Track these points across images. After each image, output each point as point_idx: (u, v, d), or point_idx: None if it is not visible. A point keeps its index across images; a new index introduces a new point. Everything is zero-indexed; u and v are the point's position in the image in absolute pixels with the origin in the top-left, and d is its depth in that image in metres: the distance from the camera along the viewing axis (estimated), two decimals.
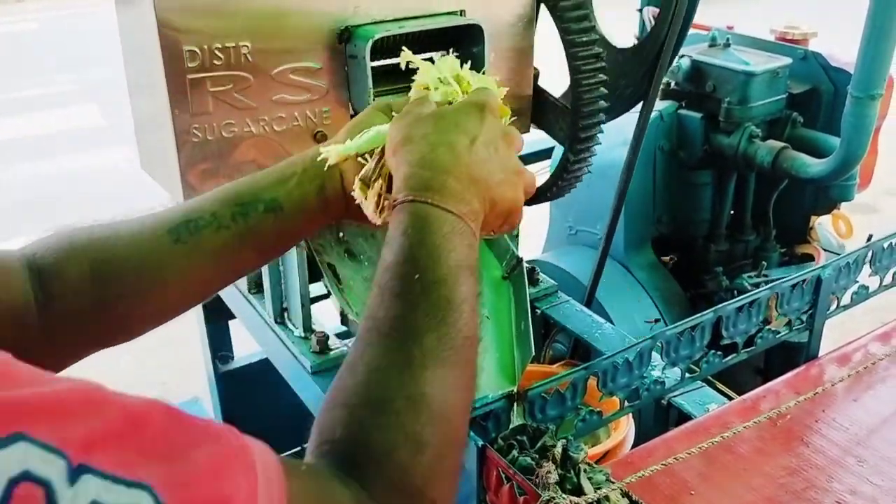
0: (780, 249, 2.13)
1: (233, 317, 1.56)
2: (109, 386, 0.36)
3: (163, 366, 2.95)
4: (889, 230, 1.05)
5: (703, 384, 1.06)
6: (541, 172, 2.02)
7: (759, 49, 1.99)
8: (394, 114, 0.75)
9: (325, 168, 0.72)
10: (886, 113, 1.95)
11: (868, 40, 1.58)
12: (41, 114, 5.89)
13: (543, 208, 1.93)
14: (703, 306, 1.99)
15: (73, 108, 5.99)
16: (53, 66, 6.97)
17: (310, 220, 0.74)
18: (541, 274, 1.44)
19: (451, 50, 0.89)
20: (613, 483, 0.66)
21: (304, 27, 0.98)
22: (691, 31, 1.48)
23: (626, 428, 1.11)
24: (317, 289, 1.26)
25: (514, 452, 0.66)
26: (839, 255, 1.03)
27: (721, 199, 2.08)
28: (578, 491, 0.62)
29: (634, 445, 1.01)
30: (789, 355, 1.11)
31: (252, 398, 1.84)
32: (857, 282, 1.03)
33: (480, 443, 0.65)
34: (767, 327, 0.95)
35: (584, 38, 1.16)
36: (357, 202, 0.71)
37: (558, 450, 0.65)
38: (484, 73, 0.93)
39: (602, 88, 1.19)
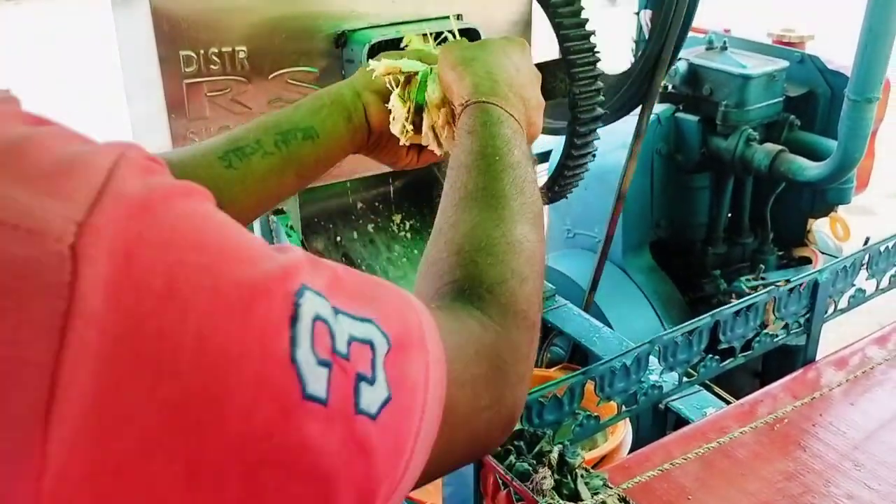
0: (778, 252, 2.14)
1: None
2: None
3: None
4: (886, 233, 1.05)
5: (701, 388, 1.06)
6: (539, 175, 2.02)
7: (757, 52, 2.00)
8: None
9: (369, 81, 0.83)
10: (883, 116, 1.96)
11: (864, 44, 1.58)
12: None
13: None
14: (701, 309, 1.99)
15: None
16: None
17: (342, 147, 0.83)
18: None
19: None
20: (611, 488, 0.66)
21: (301, 32, 0.99)
22: (688, 34, 1.48)
23: (623, 432, 1.11)
24: None
25: (512, 458, 0.65)
26: (837, 257, 1.03)
27: (719, 203, 2.08)
28: (575, 496, 0.62)
29: (633, 450, 1.01)
30: (787, 359, 1.11)
31: None
32: (854, 285, 1.03)
33: None
34: (765, 331, 0.95)
35: (580, 35, 1.16)
36: (387, 125, 0.83)
37: (555, 455, 0.65)
38: None
39: (599, 86, 1.19)
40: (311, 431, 0.36)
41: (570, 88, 1.20)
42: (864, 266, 1.03)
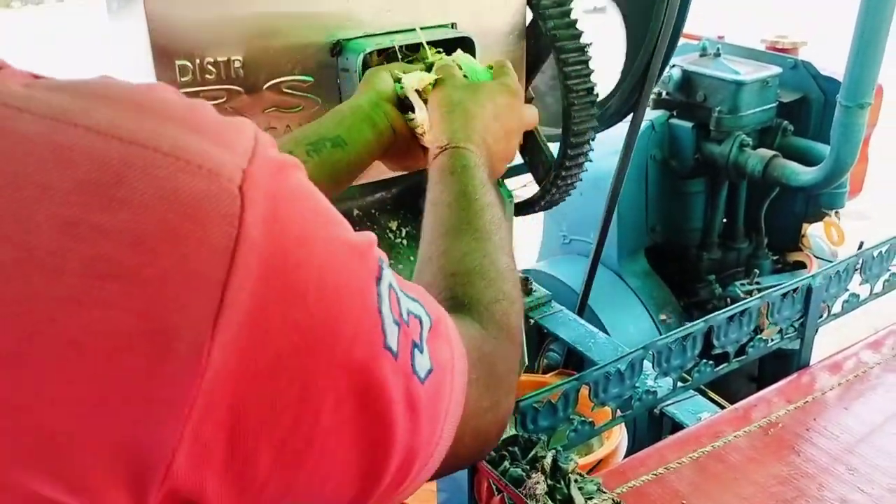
0: (773, 257, 2.14)
1: None
2: None
3: None
4: (881, 238, 1.06)
5: (696, 394, 1.06)
6: (533, 183, 2.03)
7: (750, 58, 2.01)
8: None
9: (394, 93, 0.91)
10: (876, 121, 1.97)
11: (856, 50, 1.59)
12: None
13: (537, 218, 1.94)
14: (696, 314, 2.00)
15: None
16: None
17: (369, 152, 0.89)
18: (534, 283, 1.44)
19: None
20: (604, 493, 0.66)
21: (296, 41, 0.99)
22: (682, 41, 1.49)
23: (618, 438, 1.11)
24: None
25: (506, 463, 0.66)
26: (831, 262, 1.03)
27: (713, 208, 2.09)
28: (569, 501, 0.63)
29: (629, 455, 1.02)
30: (783, 363, 1.11)
31: None
32: (848, 290, 1.04)
33: None
34: (759, 336, 0.95)
35: (576, 48, 1.17)
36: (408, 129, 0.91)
37: (548, 461, 0.65)
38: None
39: (593, 92, 1.20)
40: (387, 377, 0.43)
41: (564, 96, 1.21)
42: (858, 271, 1.04)
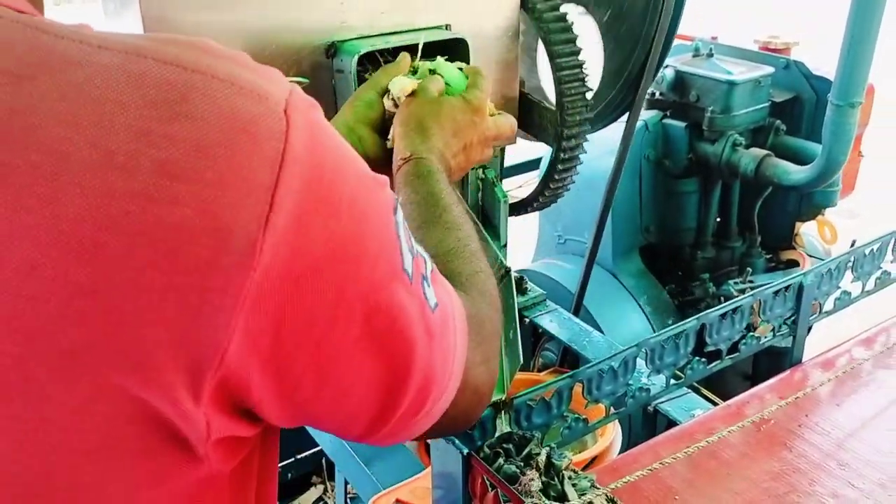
0: (766, 256, 2.15)
1: None
2: None
3: None
4: (874, 236, 1.07)
5: (689, 391, 1.07)
6: (528, 183, 2.04)
7: (742, 58, 2.02)
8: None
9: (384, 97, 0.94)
10: (868, 120, 1.98)
11: (847, 49, 1.60)
12: None
13: (532, 218, 1.95)
14: (690, 313, 2.01)
15: None
16: None
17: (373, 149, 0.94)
18: (529, 283, 1.45)
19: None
20: (598, 488, 0.67)
21: (291, 43, 1.00)
22: (675, 41, 1.50)
23: (612, 434, 1.12)
24: None
25: (500, 460, 0.66)
26: (824, 260, 1.04)
27: (707, 207, 2.10)
28: (563, 497, 0.63)
29: (624, 452, 1.02)
30: (777, 361, 1.12)
31: None
32: (840, 287, 1.04)
33: (466, 451, 0.65)
34: (751, 333, 0.96)
35: (567, 41, 1.18)
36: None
37: (542, 457, 0.66)
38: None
39: (586, 92, 1.20)
40: (405, 297, 0.49)
41: (558, 98, 1.21)
42: (850, 268, 1.04)
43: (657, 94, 2.04)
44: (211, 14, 0.93)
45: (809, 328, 1.08)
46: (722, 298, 1.97)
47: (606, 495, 0.66)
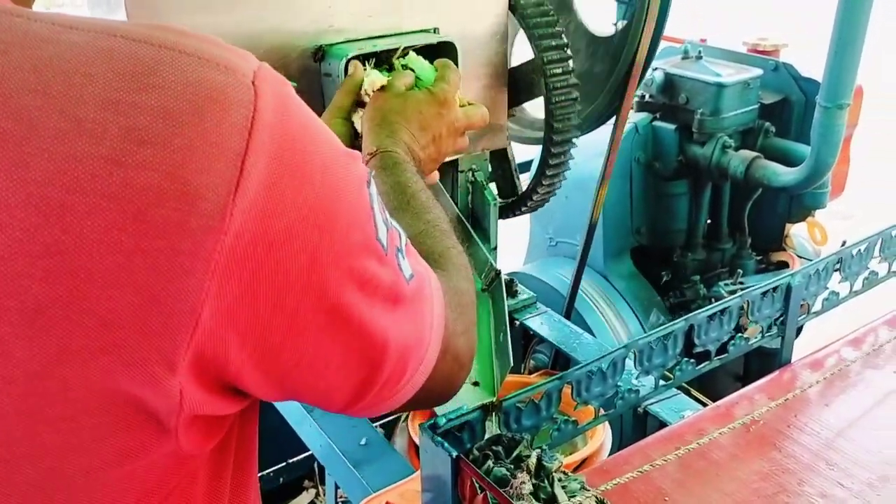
0: (756, 257, 2.16)
1: None
2: None
3: None
4: (864, 237, 1.07)
5: (679, 392, 1.07)
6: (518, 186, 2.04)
7: (731, 61, 2.03)
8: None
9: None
10: (856, 122, 1.99)
11: (835, 51, 1.61)
12: None
13: (524, 221, 1.95)
14: (681, 314, 2.01)
15: None
16: None
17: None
18: (519, 286, 1.45)
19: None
20: (588, 490, 0.67)
21: (279, 46, 1.00)
22: (664, 44, 1.50)
23: (602, 436, 1.12)
24: None
25: (490, 463, 0.66)
26: (813, 261, 1.04)
27: (697, 209, 2.10)
28: (553, 500, 0.63)
29: (614, 454, 1.02)
30: (767, 361, 1.13)
31: None
32: (828, 288, 1.05)
33: (455, 453, 0.65)
34: (740, 334, 0.96)
35: (558, 57, 1.18)
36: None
37: (532, 460, 0.65)
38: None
39: (574, 99, 1.21)
40: (377, 268, 0.50)
41: (547, 100, 1.22)
42: (838, 269, 1.05)
43: (647, 96, 2.04)
44: (198, 17, 0.93)
45: (799, 329, 1.08)
46: (713, 300, 1.97)
47: (596, 497, 0.66)
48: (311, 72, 1.03)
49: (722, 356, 0.94)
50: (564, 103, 1.20)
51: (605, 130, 1.53)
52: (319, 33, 1.02)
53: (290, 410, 1.30)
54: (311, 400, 0.54)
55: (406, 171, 0.83)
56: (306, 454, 1.97)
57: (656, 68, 1.99)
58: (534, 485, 0.65)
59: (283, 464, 2.00)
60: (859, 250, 1.06)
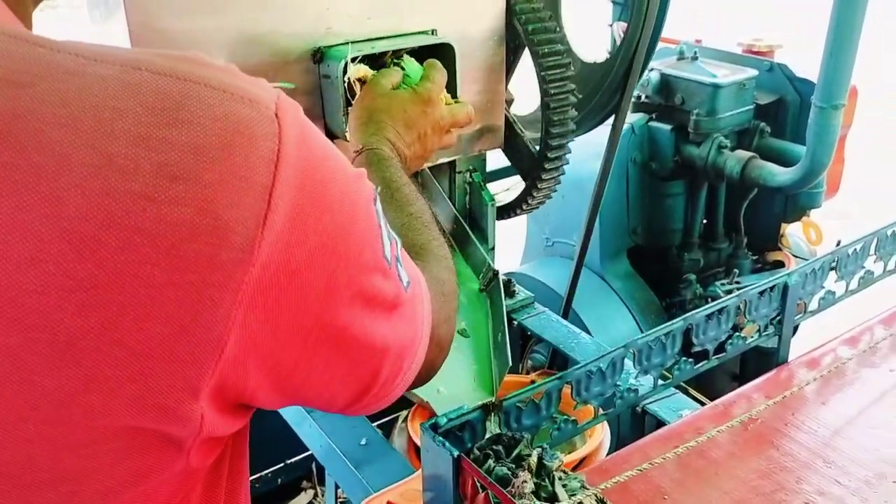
0: (752, 257, 2.17)
1: None
2: None
3: None
4: (859, 236, 1.07)
5: (677, 391, 1.08)
6: (516, 186, 2.05)
7: (727, 61, 2.04)
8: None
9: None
10: (851, 122, 2.00)
11: (830, 52, 1.62)
12: None
13: (521, 221, 1.95)
14: (678, 314, 2.02)
15: None
16: None
17: None
18: (517, 286, 1.45)
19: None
20: (588, 489, 0.67)
21: (278, 48, 1.00)
22: (660, 45, 1.51)
23: (601, 435, 1.13)
24: None
25: (490, 462, 0.67)
26: (809, 260, 1.05)
27: (693, 209, 2.11)
28: (553, 498, 0.64)
29: (613, 453, 1.03)
30: (764, 360, 1.13)
31: None
32: (824, 287, 1.05)
33: (456, 453, 0.66)
34: (738, 334, 0.96)
35: (550, 45, 1.19)
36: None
37: (534, 459, 0.66)
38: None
39: (570, 96, 1.21)
40: (383, 284, 0.53)
41: (543, 102, 1.22)
42: (834, 268, 1.05)
43: (643, 97, 2.05)
44: (197, 20, 0.93)
45: (796, 328, 1.08)
46: (709, 299, 1.98)
47: (596, 496, 0.66)
48: (310, 73, 1.03)
49: (720, 355, 0.95)
50: (560, 103, 1.21)
51: (601, 131, 1.53)
52: (318, 35, 1.02)
53: (290, 411, 1.30)
54: (314, 405, 0.56)
55: (391, 166, 0.86)
56: (304, 455, 1.97)
57: (652, 69, 2.00)
58: (535, 483, 0.65)
59: (282, 464, 2.00)
60: (855, 249, 1.07)
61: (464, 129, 1.10)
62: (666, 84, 2.00)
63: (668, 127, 2.02)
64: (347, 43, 1.04)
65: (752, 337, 0.98)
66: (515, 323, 1.39)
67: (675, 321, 0.87)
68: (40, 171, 0.39)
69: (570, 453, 1.11)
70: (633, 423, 1.15)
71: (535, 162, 1.26)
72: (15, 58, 0.41)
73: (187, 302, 0.42)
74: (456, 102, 1.05)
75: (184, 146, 0.41)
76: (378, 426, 1.27)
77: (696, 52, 2.02)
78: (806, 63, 2.04)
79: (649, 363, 0.86)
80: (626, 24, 1.71)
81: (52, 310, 0.40)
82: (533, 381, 1.13)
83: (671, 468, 0.82)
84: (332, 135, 1.09)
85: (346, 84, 0.99)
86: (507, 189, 1.97)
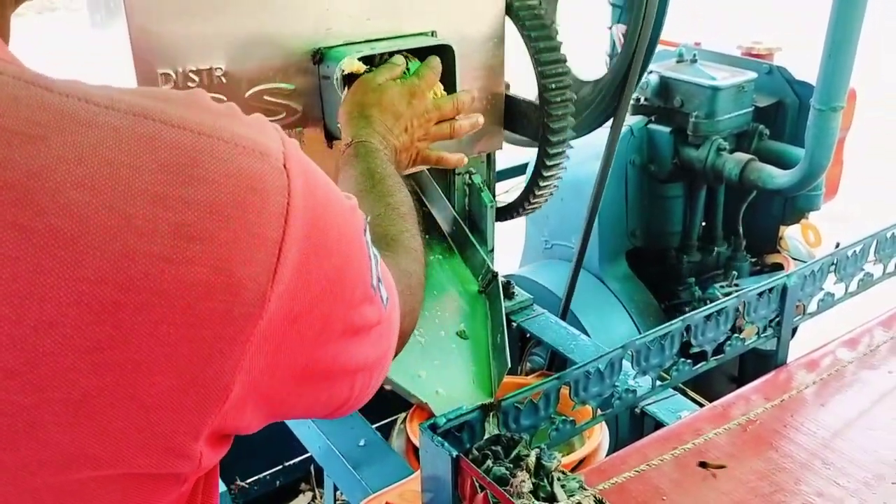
0: (751, 259, 2.17)
1: None
2: None
3: None
4: (858, 238, 1.08)
5: (676, 392, 1.08)
6: (515, 188, 2.05)
7: (726, 64, 2.04)
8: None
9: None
10: (850, 124, 2.00)
11: (828, 54, 1.62)
12: None
13: (519, 223, 1.95)
14: (676, 317, 2.02)
15: None
16: None
17: None
18: (516, 288, 1.45)
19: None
20: (586, 489, 0.67)
21: (278, 49, 1.00)
22: (659, 47, 1.51)
23: (599, 436, 1.13)
24: None
25: (489, 462, 0.67)
26: (807, 262, 1.05)
27: (692, 211, 2.11)
28: (552, 498, 0.64)
29: (611, 454, 1.03)
30: (762, 362, 1.13)
31: None
32: (823, 289, 1.05)
33: (455, 453, 0.66)
34: (737, 335, 0.97)
35: (548, 45, 1.19)
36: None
37: (532, 459, 0.66)
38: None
39: (568, 92, 1.21)
40: (370, 311, 0.55)
41: (542, 104, 1.22)
42: (833, 270, 1.05)
43: (642, 99, 2.05)
44: (197, 24, 0.93)
45: (795, 330, 1.08)
46: (708, 302, 1.98)
47: (595, 496, 0.66)
48: (310, 74, 1.03)
49: (718, 356, 0.95)
50: (559, 105, 1.21)
51: (600, 133, 1.53)
52: (318, 36, 1.02)
53: None
54: (299, 417, 0.61)
55: (377, 158, 0.90)
56: (303, 457, 1.97)
57: (651, 71, 2.00)
58: (533, 484, 0.65)
59: (280, 466, 2.00)
60: (854, 251, 1.07)
61: (466, 130, 1.10)
62: (665, 86, 2.00)
63: (667, 129, 2.02)
64: (347, 44, 1.04)
65: (750, 339, 0.99)
66: (514, 325, 1.39)
67: (673, 322, 0.87)
68: (59, 234, 0.39)
69: (568, 454, 1.11)
70: (632, 425, 1.15)
71: (541, 119, 1.24)
72: (22, 105, 0.40)
73: (199, 355, 0.43)
74: (443, 96, 1.08)
75: (199, 205, 0.42)
76: (377, 427, 1.27)
77: (695, 55, 2.02)
78: (806, 63, 2.05)
79: (648, 364, 0.86)
80: (624, 27, 1.71)
81: (68, 370, 0.40)
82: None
83: (669, 469, 0.82)
84: (331, 135, 1.09)
85: (337, 78, 1.02)
86: (506, 191, 1.98)
